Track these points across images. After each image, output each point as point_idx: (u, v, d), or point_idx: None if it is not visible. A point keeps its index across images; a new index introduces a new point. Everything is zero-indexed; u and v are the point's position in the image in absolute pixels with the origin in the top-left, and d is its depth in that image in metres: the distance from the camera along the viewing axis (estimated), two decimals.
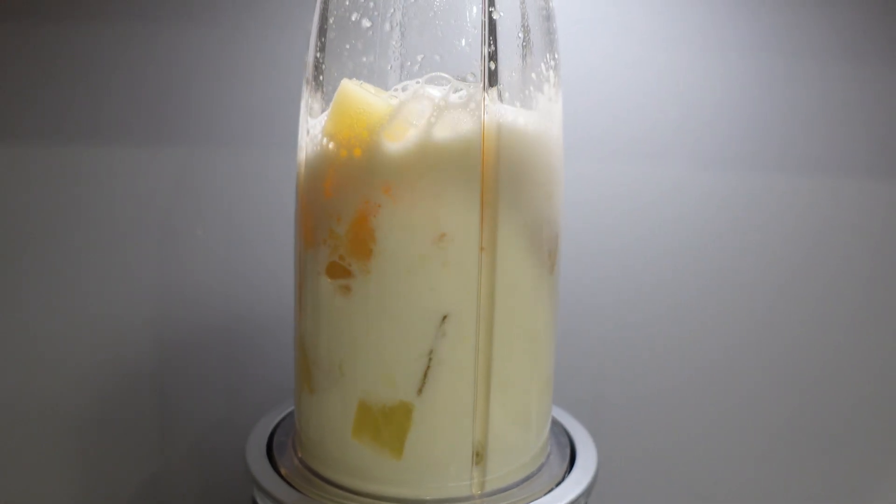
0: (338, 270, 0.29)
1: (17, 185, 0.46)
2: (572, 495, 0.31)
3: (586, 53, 0.47)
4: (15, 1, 0.44)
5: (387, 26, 0.28)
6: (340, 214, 0.28)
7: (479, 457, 0.30)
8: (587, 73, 0.47)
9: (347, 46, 0.29)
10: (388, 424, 0.29)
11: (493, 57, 0.27)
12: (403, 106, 0.27)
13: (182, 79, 0.46)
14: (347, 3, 0.28)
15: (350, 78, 0.29)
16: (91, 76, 0.45)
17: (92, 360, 0.48)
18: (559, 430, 0.36)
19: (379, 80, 0.28)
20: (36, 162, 0.46)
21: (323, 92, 0.30)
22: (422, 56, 0.28)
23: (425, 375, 0.29)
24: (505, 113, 0.28)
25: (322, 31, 0.29)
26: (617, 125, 0.48)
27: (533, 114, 0.29)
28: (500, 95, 0.27)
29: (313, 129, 0.29)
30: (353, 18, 0.28)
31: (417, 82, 0.27)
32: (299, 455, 0.33)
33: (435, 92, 0.27)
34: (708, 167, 0.49)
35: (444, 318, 0.29)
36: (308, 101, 0.31)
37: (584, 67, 0.47)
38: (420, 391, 0.29)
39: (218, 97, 0.46)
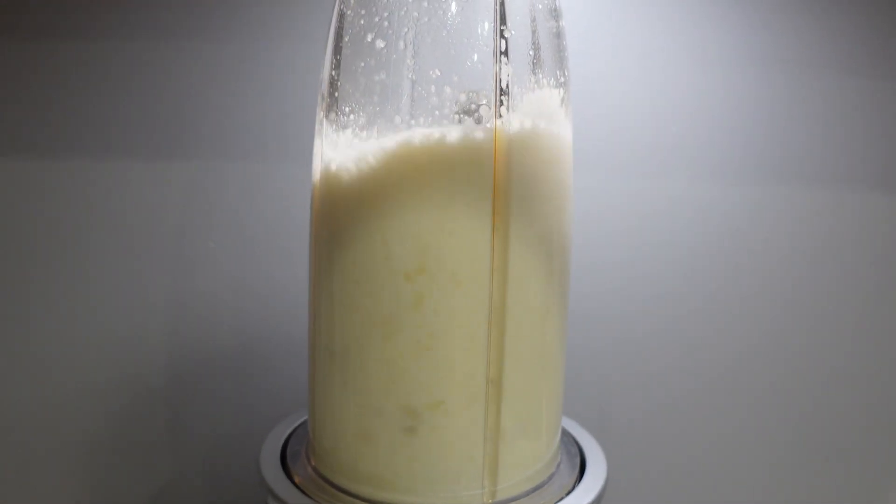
0: None
1: (31, 197, 0.46)
2: None
3: (586, 68, 0.48)
4: (31, 19, 0.45)
5: (401, 44, 0.28)
6: None
7: (491, 462, 0.30)
8: (587, 88, 0.48)
9: (362, 64, 0.29)
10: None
11: (504, 75, 0.28)
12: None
13: (194, 93, 0.46)
14: (362, 22, 0.29)
15: (363, 94, 0.30)
16: (104, 91, 0.46)
17: (103, 373, 0.48)
18: (569, 440, 0.37)
19: (392, 96, 0.29)
20: (49, 175, 0.46)
21: (337, 107, 0.30)
22: (434, 74, 0.28)
23: (439, 384, 0.29)
24: (516, 128, 0.28)
25: (337, 49, 0.30)
26: (617, 139, 0.49)
27: (544, 129, 0.30)
28: (511, 112, 0.28)
29: None
30: (368, 39, 0.29)
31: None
32: (313, 464, 0.33)
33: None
34: (709, 179, 0.50)
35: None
36: (322, 116, 0.31)
37: (584, 82, 0.48)
38: (433, 399, 0.29)
39: (230, 111, 0.47)
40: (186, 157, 0.47)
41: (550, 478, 0.33)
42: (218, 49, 0.46)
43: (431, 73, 0.28)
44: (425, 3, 0.28)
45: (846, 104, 0.50)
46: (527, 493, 0.32)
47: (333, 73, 0.30)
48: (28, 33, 0.45)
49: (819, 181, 0.50)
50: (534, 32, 0.29)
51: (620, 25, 0.48)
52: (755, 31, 0.49)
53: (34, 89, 0.46)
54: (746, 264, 0.51)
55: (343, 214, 0.30)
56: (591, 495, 0.32)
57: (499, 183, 0.28)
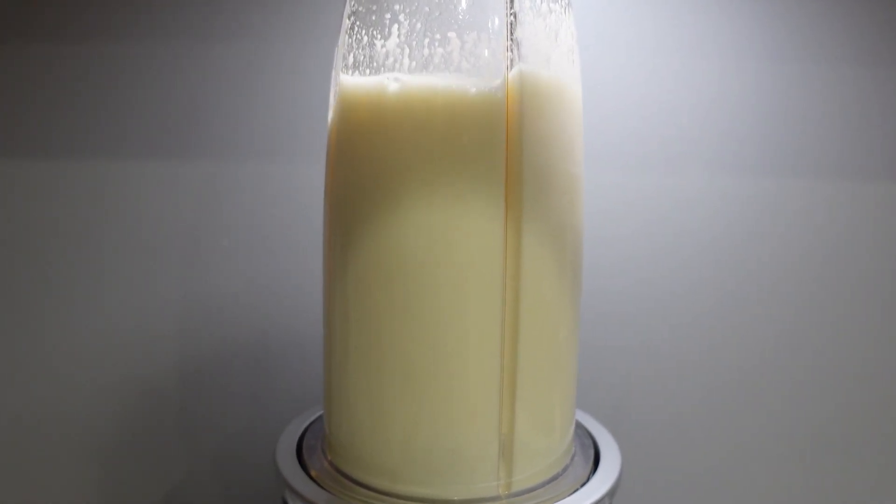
0: None
1: (45, 198, 0.47)
2: (597, 496, 0.31)
3: (601, 64, 0.48)
4: (44, 21, 0.45)
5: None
6: None
7: (506, 454, 0.31)
8: (602, 84, 0.48)
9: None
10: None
11: (516, 65, 0.28)
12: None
13: (206, 93, 0.47)
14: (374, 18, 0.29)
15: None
16: (117, 93, 0.46)
17: (116, 371, 0.49)
18: (583, 433, 0.37)
19: None
20: (63, 176, 0.47)
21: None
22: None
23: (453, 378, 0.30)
24: (528, 120, 0.29)
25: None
26: (634, 134, 0.49)
27: (556, 122, 0.30)
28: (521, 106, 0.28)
29: None
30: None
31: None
32: (328, 457, 0.34)
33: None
34: (727, 173, 0.50)
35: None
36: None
37: (600, 78, 0.48)
38: (448, 392, 0.30)
39: (242, 111, 0.47)
40: (199, 158, 0.47)
41: (565, 469, 0.33)
42: (229, 50, 0.46)
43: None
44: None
45: (863, 94, 0.49)
46: (542, 485, 0.32)
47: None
48: (40, 36, 0.46)
49: (837, 174, 0.50)
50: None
51: (634, 21, 0.48)
52: (770, 24, 0.48)
53: (47, 91, 0.46)
54: (763, 260, 0.51)
55: (356, 210, 0.30)
56: (606, 487, 0.32)
57: (511, 176, 0.28)
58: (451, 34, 0.28)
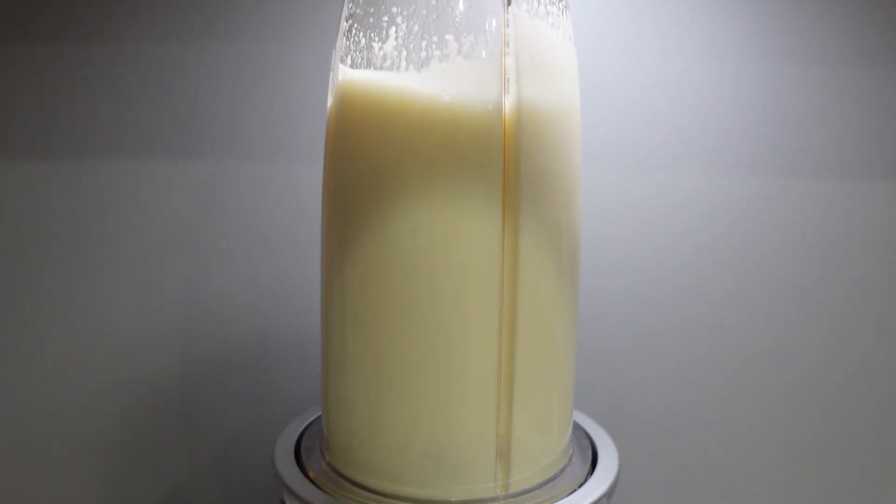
0: None
1: (44, 198, 0.47)
2: (594, 496, 0.31)
3: (600, 64, 0.48)
4: (44, 21, 0.45)
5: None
6: None
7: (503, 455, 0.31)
8: (602, 84, 0.48)
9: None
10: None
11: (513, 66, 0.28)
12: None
13: (205, 93, 0.47)
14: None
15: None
16: (116, 93, 0.46)
17: (116, 372, 0.49)
18: (581, 434, 0.37)
19: None
20: (63, 176, 0.47)
21: None
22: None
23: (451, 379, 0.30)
24: (525, 121, 0.29)
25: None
26: (632, 134, 0.49)
27: (553, 122, 0.30)
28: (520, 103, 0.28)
29: None
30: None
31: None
32: (327, 458, 0.34)
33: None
34: (727, 174, 0.50)
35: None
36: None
37: (599, 78, 0.48)
38: (445, 393, 0.30)
39: (241, 111, 0.47)
40: (198, 158, 0.47)
41: (563, 470, 0.33)
42: (227, 50, 0.46)
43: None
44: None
45: (862, 96, 0.49)
46: (539, 486, 0.32)
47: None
48: (40, 36, 0.46)
49: (837, 174, 0.50)
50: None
51: (633, 21, 0.48)
52: (770, 24, 0.48)
53: (47, 91, 0.46)
54: (763, 260, 0.51)
55: (353, 210, 0.30)
56: (603, 487, 0.32)
57: (508, 178, 0.28)
58: (449, 36, 0.28)
